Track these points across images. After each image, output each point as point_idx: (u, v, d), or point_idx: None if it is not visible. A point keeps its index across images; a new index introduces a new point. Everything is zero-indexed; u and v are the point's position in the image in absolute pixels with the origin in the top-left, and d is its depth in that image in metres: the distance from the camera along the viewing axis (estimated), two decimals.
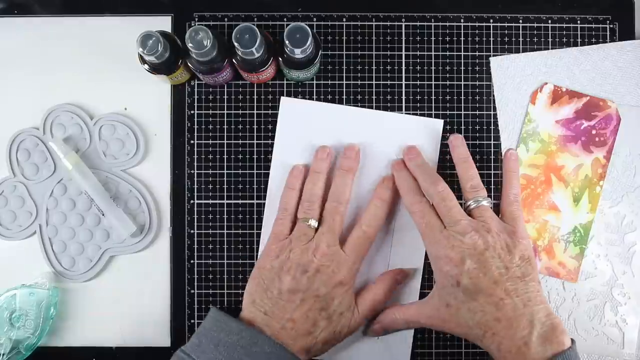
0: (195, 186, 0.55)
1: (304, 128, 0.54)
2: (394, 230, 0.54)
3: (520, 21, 0.56)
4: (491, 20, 0.55)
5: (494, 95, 0.55)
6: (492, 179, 0.55)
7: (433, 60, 0.55)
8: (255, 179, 0.55)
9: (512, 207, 0.50)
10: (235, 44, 0.46)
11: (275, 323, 0.47)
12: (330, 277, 0.48)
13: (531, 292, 0.45)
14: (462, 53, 0.55)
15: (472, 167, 0.51)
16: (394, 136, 0.54)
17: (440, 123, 0.54)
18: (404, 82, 0.55)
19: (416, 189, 0.51)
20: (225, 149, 0.55)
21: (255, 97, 0.55)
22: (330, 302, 0.48)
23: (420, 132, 0.54)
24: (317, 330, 0.47)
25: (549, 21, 0.56)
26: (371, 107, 0.55)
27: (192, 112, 0.55)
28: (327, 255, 0.48)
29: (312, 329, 0.47)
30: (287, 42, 0.46)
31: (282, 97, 0.54)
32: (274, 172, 0.54)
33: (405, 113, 0.55)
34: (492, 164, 0.55)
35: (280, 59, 0.49)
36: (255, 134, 0.55)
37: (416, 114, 0.55)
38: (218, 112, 0.55)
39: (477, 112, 0.55)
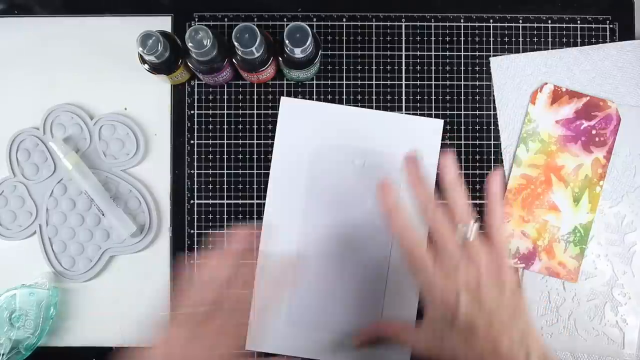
0: (195, 186, 0.55)
1: (304, 128, 0.54)
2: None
3: (520, 21, 0.56)
4: (491, 20, 0.55)
5: (494, 95, 0.55)
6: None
7: (433, 60, 0.55)
8: (255, 179, 0.55)
9: (498, 232, 0.48)
10: (235, 43, 0.46)
11: None
12: None
13: (524, 325, 0.45)
14: (462, 53, 0.55)
15: (462, 192, 0.47)
16: (394, 136, 0.54)
17: (440, 123, 0.54)
18: (404, 82, 0.55)
19: (407, 220, 0.47)
20: (225, 149, 0.55)
21: (255, 97, 0.55)
22: None
23: (420, 132, 0.54)
24: None
25: (549, 21, 0.56)
26: (371, 107, 0.55)
27: (192, 112, 0.55)
28: None
29: None
30: (287, 42, 0.46)
31: (282, 97, 0.54)
32: (274, 172, 0.54)
33: (405, 113, 0.55)
34: (492, 164, 0.55)
35: (280, 58, 0.49)
36: (255, 134, 0.55)
37: (416, 114, 0.55)
38: (218, 112, 0.55)
39: (477, 112, 0.55)
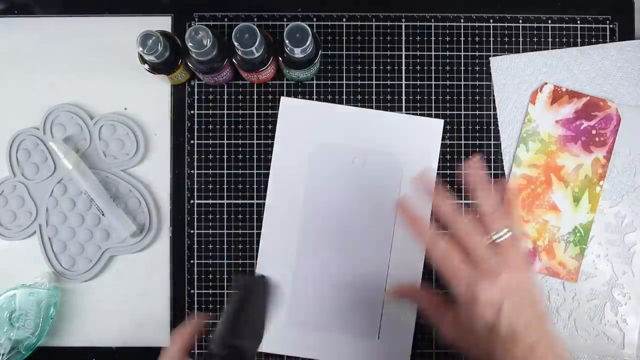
0: (195, 186, 0.55)
1: (304, 128, 0.54)
2: (393, 234, 0.54)
3: (520, 21, 0.56)
4: (491, 20, 0.55)
5: (494, 95, 0.55)
6: (492, 179, 0.55)
7: (433, 60, 0.55)
8: (255, 179, 0.55)
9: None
10: (235, 43, 0.46)
11: None
12: None
13: (551, 332, 0.44)
14: (462, 53, 0.55)
15: (491, 195, 0.45)
16: (394, 136, 0.54)
17: (440, 123, 0.54)
18: (404, 82, 0.55)
19: (434, 230, 0.46)
20: (225, 149, 0.55)
21: (255, 97, 0.55)
22: None
23: (420, 132, 0.54)
24: None
25: (549, 21, 0.56)
26: (371, 107, 0.55)
27: (192, 112, 0.55)
28: None
29: None
30: (287, 41, 0.46)
31: (282, 97, 0.54)
32: (274, 172, 0.54)
33: (405, 113, 0.55)
34: (492, 164, 0.55)
35: (280, 58, 0.49)
36: (255, 134, 0.55)
37: (416, 114, 0.55)
38: (218, 112, 0.55)
39: (477, 112, 0.55)
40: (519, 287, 0.44)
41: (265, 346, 0.54)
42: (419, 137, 0.54)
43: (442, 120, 0.55)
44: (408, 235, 0.53)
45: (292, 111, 0.54)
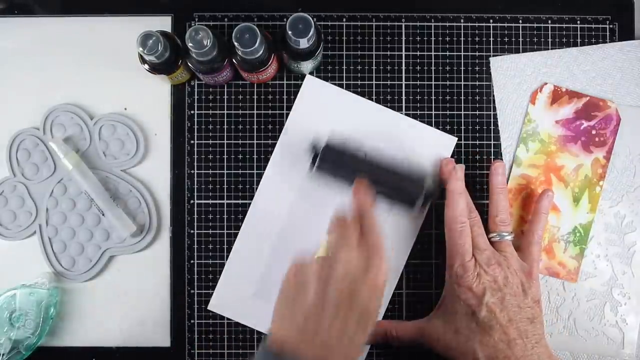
0: (195, 186, 0.55)
1: (320, 110, 0.54)
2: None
3: (520, 21, 0.56)
4: (491, 20, 0.55)
5: (494, 95, 0.55)
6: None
7: (433, 60, 0.55)
8: (255, 179, 0.55)
9: (534, 247, 0.50)
10: (235, 44, 0.46)
11: None
12: None
13: (538, 335, 0.47)
14: (462, 53, 0.55)
15: (506, 200, 0.51)
16: (404, 140, 0.54)
17: (453, 140, 0.54)
18: (404, 82, 0.55)
19: (465, 208, 0.50)
20: (225, 149, 0.55)
21: (255, 97, 0.55)
22: None
23: (432, 143, 0.54)
24: None
25: (549, 21, 0.56)
26: None
27: (192, 112, 0.55)
28: None
29: None
30: (289, 33, 0.46)
31: (307, 75, 0.54)
32: (280, 146, 0.54)
33: (405, 113, 0.55)
34: None
35: (285, 53, 0.49)
36: (255, 134, 0.55)
37: (416, 114, 0.55)
38: (218, 112, 0.55)
39: (477, 112, 0.55)
40: (507, 284, 0.46)
41: (228, 311, 0.54)
42: (429, 148, 0.54)
43: (455, 138, 0.54)
44: (392, 235, 0.54)
45: (313, 90, 0.54)
